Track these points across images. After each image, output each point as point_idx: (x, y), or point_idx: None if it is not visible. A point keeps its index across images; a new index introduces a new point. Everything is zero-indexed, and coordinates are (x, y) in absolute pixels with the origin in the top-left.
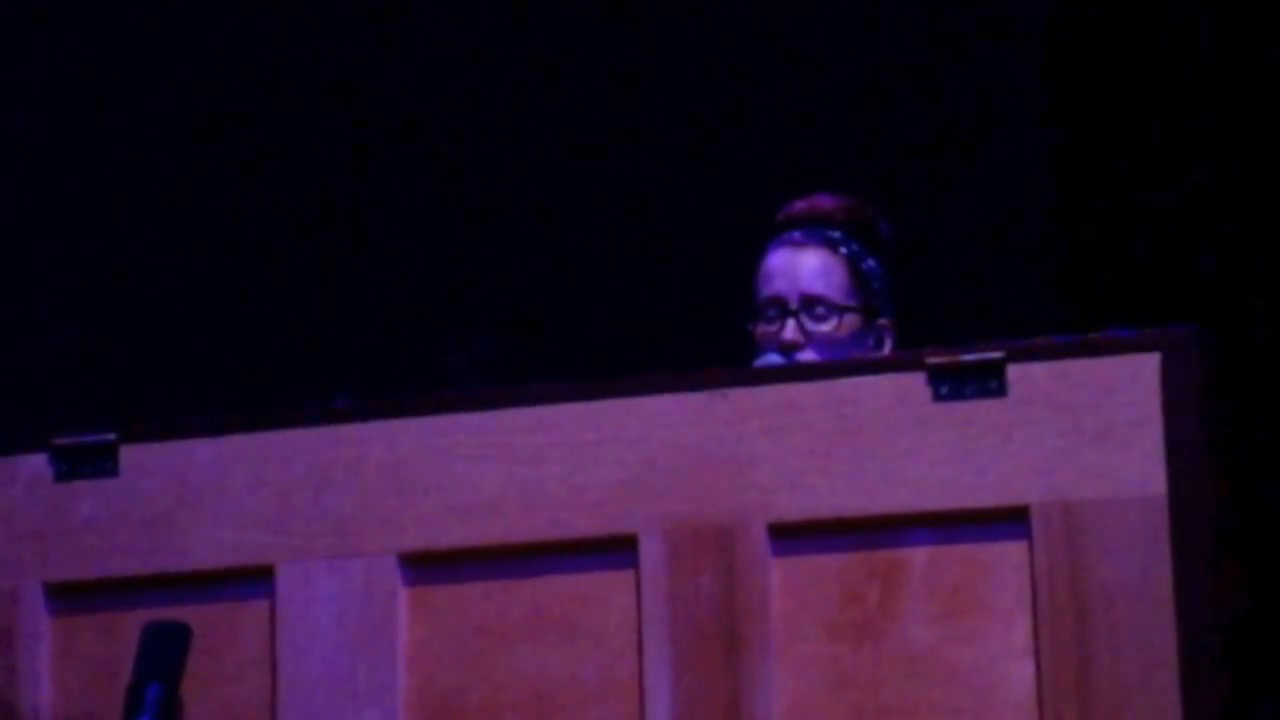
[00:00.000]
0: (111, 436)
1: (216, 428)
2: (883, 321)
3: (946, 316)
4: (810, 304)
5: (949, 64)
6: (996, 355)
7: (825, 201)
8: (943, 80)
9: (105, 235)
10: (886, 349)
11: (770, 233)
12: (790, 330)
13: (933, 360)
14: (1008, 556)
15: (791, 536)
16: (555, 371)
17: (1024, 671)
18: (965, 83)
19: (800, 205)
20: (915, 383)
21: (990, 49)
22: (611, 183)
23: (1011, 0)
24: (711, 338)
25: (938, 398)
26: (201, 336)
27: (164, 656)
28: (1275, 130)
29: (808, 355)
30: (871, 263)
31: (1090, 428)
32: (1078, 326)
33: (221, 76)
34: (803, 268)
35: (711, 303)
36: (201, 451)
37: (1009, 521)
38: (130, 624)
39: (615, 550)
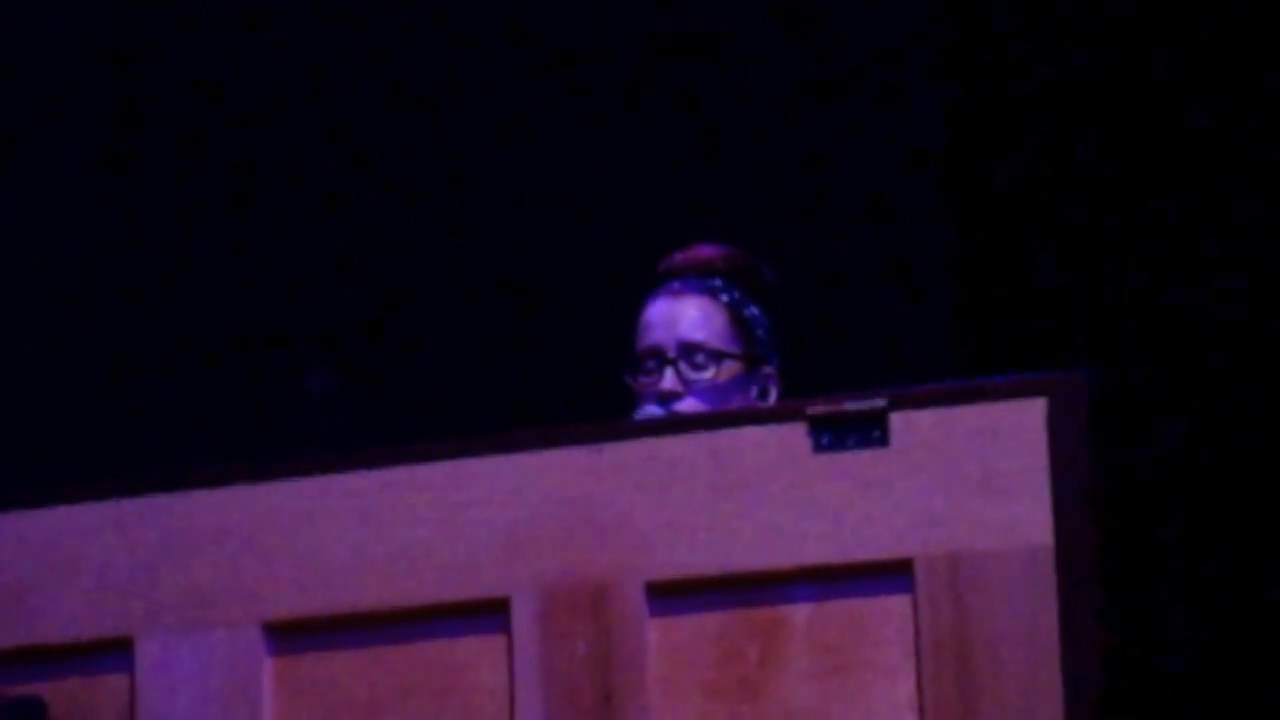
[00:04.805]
0: None
1: (71, 496)
2: (767, 370)
3: (839, 363)
4: (689, 352)
5: (839, 103)
6: (878, 404)
7: (704, 251)
8: (833, 123)
9: None
10: (772, 398)
11: (650, 285)
12: (669, 379)
13: (813, 410)
14: (891, 611)
15: (669, 595)
16: (426, 426)
17: None
18: (857, 124)
19: (679, 256)
20: (796, 433)
21: (882, 94)
22: (488, 234)
23: (905, 37)
24: (590, 393)
25: (819, 448)
26: (53, 401)
27: None
28: (1164, 175)
29: (688, 404)
30: (754, 310)
31: (975, 476)
32: (973, 372)
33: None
34: (680, 316)
35: (590, 357)
36: (56, 520)
37: (892, 575)
38: None
39: (487, 614)
